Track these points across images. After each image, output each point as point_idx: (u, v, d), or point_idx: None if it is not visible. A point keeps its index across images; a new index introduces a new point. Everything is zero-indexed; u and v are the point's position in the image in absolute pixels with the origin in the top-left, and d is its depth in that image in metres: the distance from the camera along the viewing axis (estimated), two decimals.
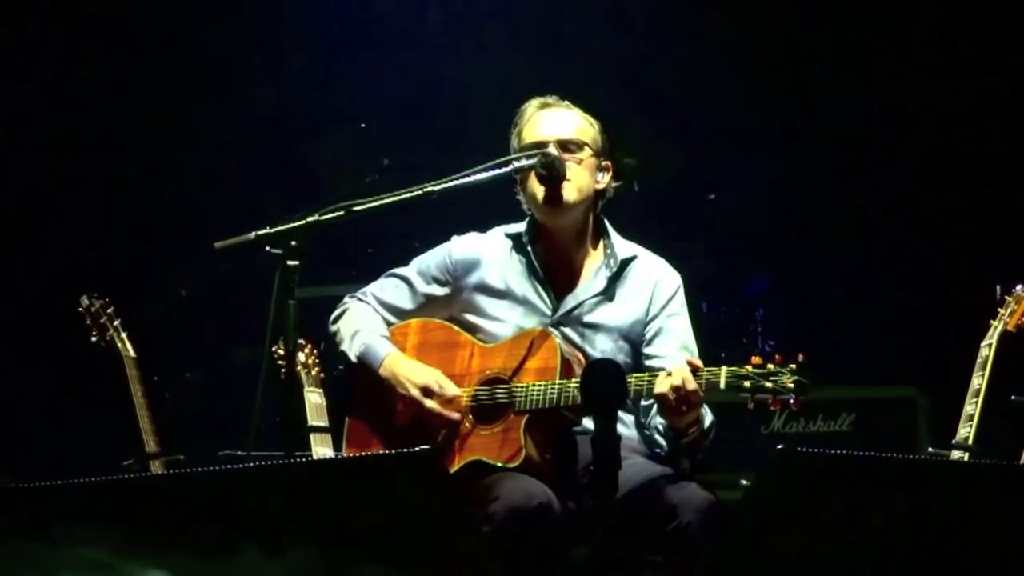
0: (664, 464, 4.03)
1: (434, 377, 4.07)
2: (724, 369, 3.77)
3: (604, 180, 4.23)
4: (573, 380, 3.90)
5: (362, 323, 4.23)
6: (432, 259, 4.31)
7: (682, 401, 3.77)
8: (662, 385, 3.78)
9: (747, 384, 3.74)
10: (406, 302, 4.29)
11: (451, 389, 4.04)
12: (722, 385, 3.76)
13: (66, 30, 6.63)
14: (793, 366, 3.74)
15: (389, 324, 4.26)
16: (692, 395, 3.76)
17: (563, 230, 4.22)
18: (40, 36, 6.60)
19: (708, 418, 3.98)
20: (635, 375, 3.88)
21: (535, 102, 4.26)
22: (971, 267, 6.13)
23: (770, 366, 3.74)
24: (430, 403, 4.04)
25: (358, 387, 4.21)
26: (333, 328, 4.29)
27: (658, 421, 4.06)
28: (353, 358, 4.18)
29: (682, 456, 4.11)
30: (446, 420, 4.03)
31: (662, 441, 4.09)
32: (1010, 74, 6.45)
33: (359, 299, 4.33)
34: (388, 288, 4.31)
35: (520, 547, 3.69)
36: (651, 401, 4.04)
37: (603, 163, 4.22)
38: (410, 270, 4.31)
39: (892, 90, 6.65)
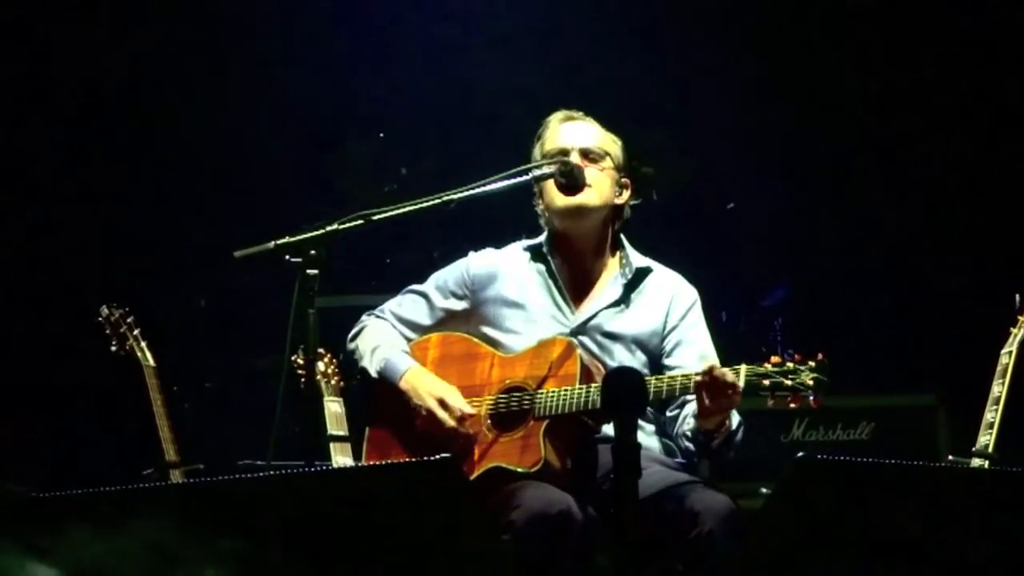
0: (684, 472, 4.03)
1: (452, 393, 4.05)
2: (744, 368, 3.76)
3: (623, 196, 4.24)
4: (593, 385, 3.90)
5: (381, 339, 4.21)
6: (450, 274, 4.30)
7: (721, 394, 3.74)
8: (700, 377, 3.76)
9: (766, 383, 3.73)
10: (424, 317, 4.28)
11: (467, 407, 4.03)
12: (741, 383, 3.75)
13: (86, 35, 6.65)
14: (812, 363, 3.73)
15: (408, 340, 4.24)
16: (731, 388, 3.73)
17: (581, 239, 4.22)
18: (60, 39, 6.62)
19: (735, 417, 3.97)
20: (656, 377, 3.87)
21: (559, 115, 4.27)
22: (991, 275, 6.11)
23: (789, 364, 3.73)
24: (444, 416, 4.02)
25: (378, 398, 4.20)
26: (351, 346, 4.27)
27: (687, 427, 4.05)
28: (374, 373, 4.16)
29: (705, 458, 4.10)
30: (462, 436, 4.02)
31: (691, 447, 4.07)
32: None
33: (377, 316, 4.31)
34: (406, 304, 4.30)
35: (542, 555, 3.68)
36: (677, 411, 4.07)
37: (623, 180, 4.24)
38: (428, 286, 4.31)
39: (911, 97, 6.63)
